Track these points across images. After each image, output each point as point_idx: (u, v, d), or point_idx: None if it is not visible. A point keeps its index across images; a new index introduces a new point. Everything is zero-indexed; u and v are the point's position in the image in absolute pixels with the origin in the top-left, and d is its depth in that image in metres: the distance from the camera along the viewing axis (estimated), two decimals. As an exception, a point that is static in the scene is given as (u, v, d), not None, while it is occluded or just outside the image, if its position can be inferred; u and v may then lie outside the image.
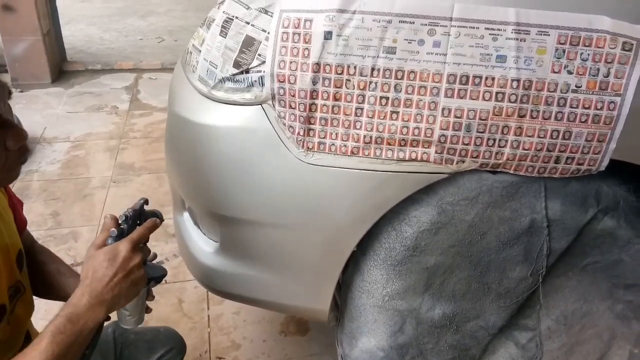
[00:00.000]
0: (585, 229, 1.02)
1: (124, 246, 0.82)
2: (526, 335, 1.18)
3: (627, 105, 0.87)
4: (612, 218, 1.01)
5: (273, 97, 0.96)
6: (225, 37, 1.02)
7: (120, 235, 0.83)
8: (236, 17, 1.00)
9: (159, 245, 2.06)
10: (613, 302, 1.12)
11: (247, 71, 0.97)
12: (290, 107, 0.96)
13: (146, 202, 0.91)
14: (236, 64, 0.99)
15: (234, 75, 0.99)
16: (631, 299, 1.11)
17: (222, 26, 1.03)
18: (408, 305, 1.11)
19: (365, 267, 1.11)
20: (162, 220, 0.93)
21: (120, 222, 0.86)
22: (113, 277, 0.80)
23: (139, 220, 0.89)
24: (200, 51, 1.10)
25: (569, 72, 0.87)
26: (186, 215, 1.32)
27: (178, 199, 1.31)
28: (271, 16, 0.95)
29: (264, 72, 0.95)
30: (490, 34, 0.86)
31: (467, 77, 0.88)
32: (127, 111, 3.52)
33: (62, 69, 4.15)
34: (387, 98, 0.92)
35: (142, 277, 0.84)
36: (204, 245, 1.22)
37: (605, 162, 0.93)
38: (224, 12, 1.05)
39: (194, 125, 1.07)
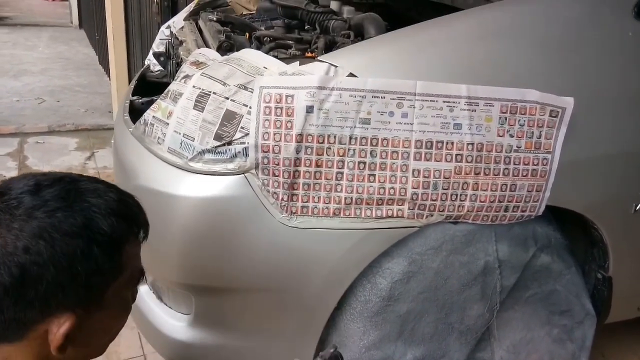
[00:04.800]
0: (527, 265, 1.19)
1: None
2: (483, 368, 1.30)
3: (556, 161, 1.07)
4: (547, 254, 1.19)
5: (257, 166, 1.01)
6: (202, 112, 1.05)
7: None
8: (213, 93, 1.05)
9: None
10: (550, 327, 1.30)
11: (229, 143, 1.01)
12: (274, 174, 1.01)
13: (335, 347, 0.88)
14: (218, 137, 1.02)
15: (215, 147, 1.02)
16: (565, 323, 1.29)
17: (197, 100, 1.06)
18: (383, 354, 1.18)
19: (342, 321, 1.16)
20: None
21: None
22: None
23: None
24: (167, 124, 1.11)
25: (511, 136, 1.04)
26: (144, 289, 1.27)
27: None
28: (251, 92, 1.02)
29: (247, 143, 1.00)
30: (447, 106, 1.02)
31: (432, 142, 1.02)
32: (17, 181, 3.21)
33: None
34: (365, 163, 1.01)
35: None
36: (172, 320, 1.18)
37: (542, 208, 1.11)
38: (194, 87, 1.09)
39: (167, 197, 1.07)
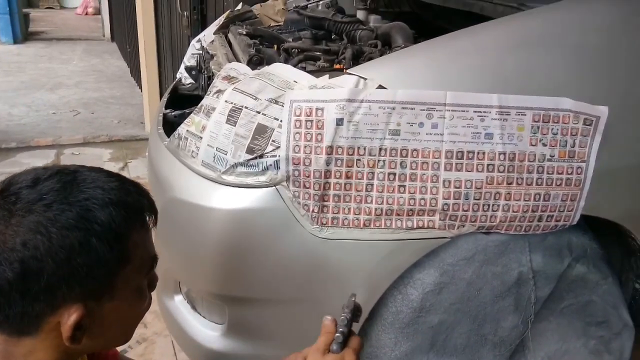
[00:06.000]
0: (562, 276, 1.17)
1: (350, 358, 0.80)
2: (517, 380, 1.28)
3: (590, 169, 1.05)
4: (583, 264, 1.17)
5: (288, 179, 1.02)
6: (234, 125, 1.07)
7: (344, 340, 0.82)
8: (245, 107, 1.07)
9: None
10: (587, 339, 1.27)
11: (261, 156, 1.03)
12: (305, 186, 1.02)
13: (354, 295, 0.88)
14: (250, 150, 1.04)
15: (248, 160, 1.04)
16: (602, 334, 1.26)
17: (229, 115, 1.09)
18: (415, 365, 1.17)
19: (373, 332, 1.16)
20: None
21: (341, 326, 0.83)
22: None
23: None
24: (201, 138, 1.14)
25: (544, 145, 1.03)
26: (178, 299, 1.30)
27: (170, 283, 1.29)
28: (282, 106, 1.03)
29: (278, 156, 1.02)
30: (478, 116, 1.01)
31: (462, 152, 1.02)
32: (54, 191, 3.32)
33: (-30, 149, 3.86)
34: (395, 174, 1.02)
35: None
36: (205, 329, 1.21)
37: (577, 217, 1.09)
38: (226, 101, 1.11)
39: (201, 209, 1.09)
